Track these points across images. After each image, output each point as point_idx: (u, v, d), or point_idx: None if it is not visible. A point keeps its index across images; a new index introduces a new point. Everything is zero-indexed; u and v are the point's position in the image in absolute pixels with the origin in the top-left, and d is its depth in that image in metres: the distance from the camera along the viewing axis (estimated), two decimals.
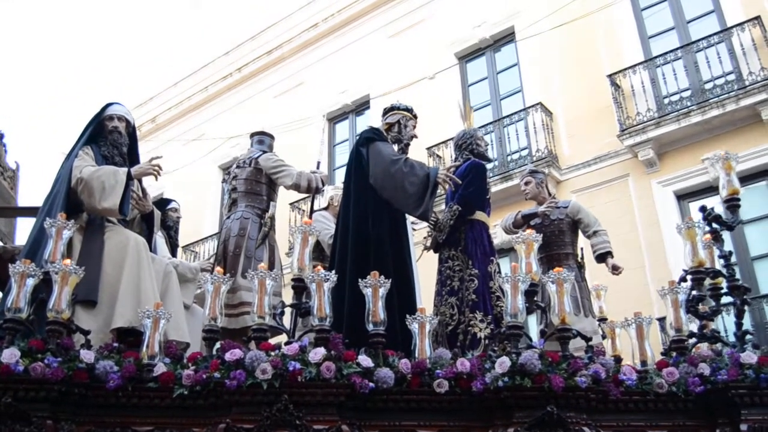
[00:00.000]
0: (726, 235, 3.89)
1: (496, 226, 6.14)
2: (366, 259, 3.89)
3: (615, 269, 5.25)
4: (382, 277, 3.27)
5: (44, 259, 3.42)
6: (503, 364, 3.04)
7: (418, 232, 5.09)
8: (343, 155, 11.91)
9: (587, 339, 3.52)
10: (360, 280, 3.30)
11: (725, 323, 6.20)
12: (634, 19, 10.04)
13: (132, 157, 4.33)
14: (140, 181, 4.34)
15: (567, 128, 10.04)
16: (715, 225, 3.83)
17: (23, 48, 32.62)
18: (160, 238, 5.05)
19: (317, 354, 3.01)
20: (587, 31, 10.20)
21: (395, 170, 4.17)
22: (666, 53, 9.35)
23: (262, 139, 5.25)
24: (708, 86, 8.87)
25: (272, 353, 3.03)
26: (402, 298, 3.79)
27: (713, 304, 3.75)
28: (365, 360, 3.08)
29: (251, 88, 14.26)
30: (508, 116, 10.43)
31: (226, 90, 14.62)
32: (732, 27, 8.88)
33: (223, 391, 2.99)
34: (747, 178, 7.66)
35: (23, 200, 6.79)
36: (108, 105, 4.34)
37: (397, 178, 4.16)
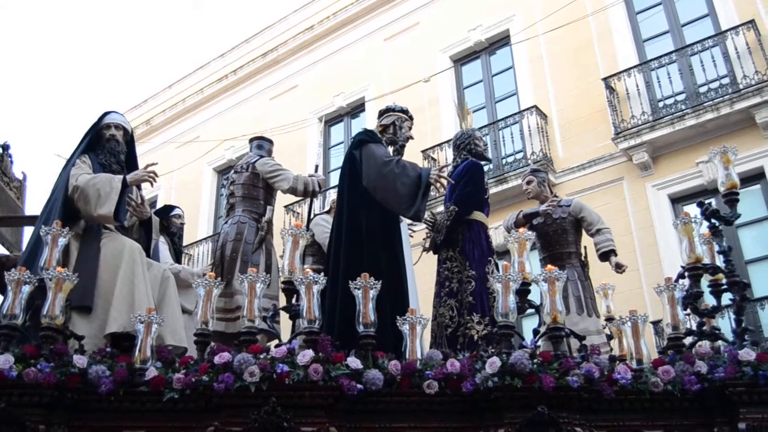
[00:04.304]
0: None
1: (499, 227, 6.09)
2: (359, 260, 3.87)
3: (619, 267, 5.18)
4: (372, 278, 3.26)
5: (40, 266, 3.45)
6: (493, 364, 3.01)
7: (418, 233, 5.07)
8: (338, 158, 11.91)
9: (581, 338, 3.50)
10: (351, 281, 3.29)
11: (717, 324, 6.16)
12: (628, 22, 10.06)
13: (130, 165, 4.34)
14: (138, 188, 4.35)
15: (562, 131, 10.05)
16: (713, 220, 3.73)
17: (20, 54, 32.63)
18: (163, 244, 5.05)
19: (305, 356, 3.00)
20: (582, 35, 10.22)
21: (387, 171, 4.15)
22: (661, 56, 9.37)
23: (261, 144, 5.26)
24: (702, 89, 8.89)
25: (261, 356, 3.02)
26: (394, 300, 3.77)
27: (711, 302, 3.66)
28: (354, 362, 3.07)
29: (246, 90, 14.24)
30: (503, 119, 10.44)
31: (221, 92, 14.59)
32: (726, 31, 8.90)
33: (212, 394, 2.99)
34: (741, 182, 7.61)
35: (31, 210, 6.75)
36: (106, 114, 4.37)
37: (389, 179, 4.14)
